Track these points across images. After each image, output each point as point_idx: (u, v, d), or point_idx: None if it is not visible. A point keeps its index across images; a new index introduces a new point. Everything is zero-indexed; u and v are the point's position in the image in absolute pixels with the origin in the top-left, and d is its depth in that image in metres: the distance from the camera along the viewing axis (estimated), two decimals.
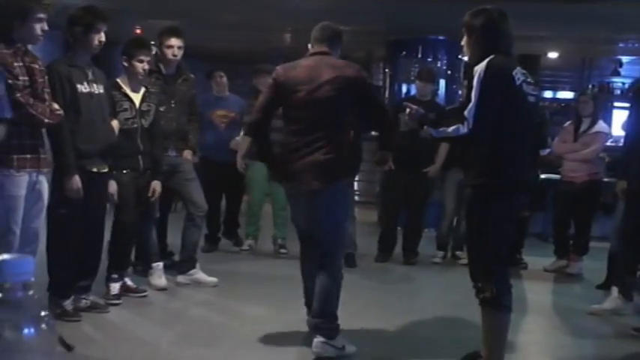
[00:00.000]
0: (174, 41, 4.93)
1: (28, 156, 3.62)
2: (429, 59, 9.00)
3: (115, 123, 4.21)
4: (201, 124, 5.70)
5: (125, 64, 4.50)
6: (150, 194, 4.61)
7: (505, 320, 3.28)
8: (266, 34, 9.76)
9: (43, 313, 1.05)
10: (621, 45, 9.91)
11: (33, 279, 1.07)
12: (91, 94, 4.01)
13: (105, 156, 4.12)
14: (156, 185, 4.63)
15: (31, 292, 1.04)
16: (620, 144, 7.57)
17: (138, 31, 8.84)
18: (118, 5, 8.00)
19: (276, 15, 8.15)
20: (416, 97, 6.50)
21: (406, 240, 6.49)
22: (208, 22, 8.55)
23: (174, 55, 4.94)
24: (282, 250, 6.34)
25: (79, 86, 3.95)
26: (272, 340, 3.94)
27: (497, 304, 3.24)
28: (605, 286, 5.31)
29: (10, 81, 3.49)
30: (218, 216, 6.51)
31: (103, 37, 3.99)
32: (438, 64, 8.88)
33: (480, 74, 3.13)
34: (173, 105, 4.98)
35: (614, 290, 4.80)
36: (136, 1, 8.01)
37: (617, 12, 7.10)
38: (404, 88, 9.11)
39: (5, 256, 1.03)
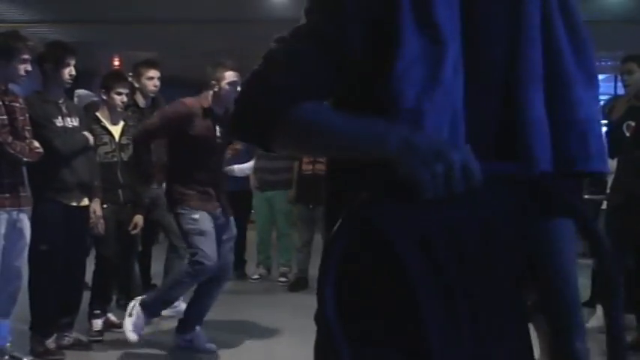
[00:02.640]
0: (154, 72, 4.95)
1: (7, 195, 3.60)
2: None
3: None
4: None
5: (104, 97, 4.52)
6: (131, 228, 4.58)
7: None
8: (250, 62, 9.80)
9: None
10: (596, 64, 10.04)
11: (8, 343, 1.05)
12: (65, 129, 4.01)
13: (84, 189, 4.10)
14: (138, 219, 4.61)
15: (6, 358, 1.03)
16: None
17: (117, 62, 8.86)
18: (94, 37, 8.06)
19: (261, 41, 8.18)
20: None
21: None
22: (192, 50, 8.57)
23: (155, 86, 4.96)
24: (282, 279, 6.37)
25: (53, 120, 3.95)
26: None
27: None
28: (590, 304, 5.32)
29: None
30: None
31: (73, 70, 4.02)
32: None
33: None
34: None
35: (599, 308, 4.80)
36: (113, 32, 8.07)
37: (590, 31, 7.20)
38: None
39: None
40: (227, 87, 4.08)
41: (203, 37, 8.18)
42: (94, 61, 7.90)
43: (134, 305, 4.08)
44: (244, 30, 7.66)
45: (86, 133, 4.15)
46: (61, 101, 4.05)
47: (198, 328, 4.32)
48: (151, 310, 4.14)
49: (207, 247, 4.02)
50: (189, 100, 4.17)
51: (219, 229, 4.20)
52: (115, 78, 4.56)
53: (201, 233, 4.05)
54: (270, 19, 7.03)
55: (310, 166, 6.13)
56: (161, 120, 4.21)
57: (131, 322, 4.04)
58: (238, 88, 4.11)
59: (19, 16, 7.23)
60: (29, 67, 3.68)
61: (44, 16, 7.35)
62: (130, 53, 7.83)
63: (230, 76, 4.09)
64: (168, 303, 4.30)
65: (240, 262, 6.60)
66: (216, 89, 4.11)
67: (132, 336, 4.03)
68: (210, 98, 4.12)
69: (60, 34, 6.87)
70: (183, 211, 4.09)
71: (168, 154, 4.32)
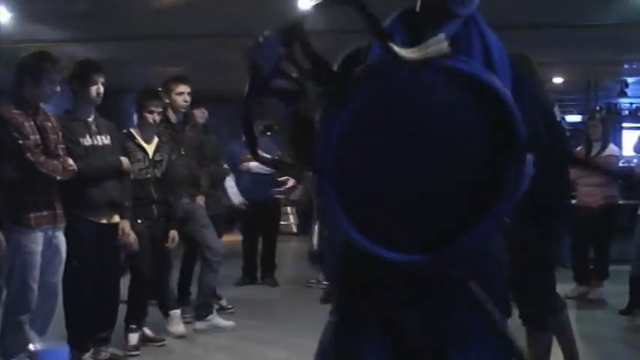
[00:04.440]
0: (184, 87, 4.98)
1: (44, 212, 3.65)
2: None
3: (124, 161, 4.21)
4: (235, 171, 6.21)
5: (137, 114, 4.56)
6: (169, 243, 4.64)
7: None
8: None
9: None
10: (626, 66, 9.92)
11: None
12: (94, 147, 4.04)
13: (114, 207, 4.13)
14: (173, 234, 4.65)
15: None
16: (633, 164, 7.56)
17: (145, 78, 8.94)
18: (123, 54, 8.15)
19: None
20: None
21: None
22: (219, 65, 8.60)
23: (185, 102, 4.99)
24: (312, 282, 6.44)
25: (81, 139, 3.99)
26: None
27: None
28: (628, 311, 5.23)
29: (20, 141, 3.53)
30: (255, 256, 6.73)
31: (101, 88, 4.05)
32: None
33: None
34: (183, 152, 5.01)
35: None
36: (145, 49, 8.15)
37: (620, 34, 7.13)
38: None
39: (40, 346, 1.03)
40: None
41: (228, 52, 8.22)
42: (125, 78, 7.99)
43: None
44: None
45: (124, 159, 4.19)
46: (90, 119, 4.09)
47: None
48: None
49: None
50: None
51: None
52: (150, 96, 4.60)
53: None
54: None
55: None
56: None
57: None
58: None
59: (49, 35, 7.33)
60: (58, 88, 3.73)
61: (74, 34, 7.44)
62: (160, 69, 7.91)
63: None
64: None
65: (270, 268, 6.72)
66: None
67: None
68: None
69: (90, 52, 6.96)
70: None
71: None
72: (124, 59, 8.07)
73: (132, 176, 4.36)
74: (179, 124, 5.08)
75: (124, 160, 4.19)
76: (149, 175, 4.53)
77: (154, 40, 7.86)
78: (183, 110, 5.05)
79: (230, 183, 6.26)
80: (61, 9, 6.45)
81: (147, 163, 4.54)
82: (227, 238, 6.22)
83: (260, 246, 6.80)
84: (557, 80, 10.78)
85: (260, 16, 7.06)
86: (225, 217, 5.93)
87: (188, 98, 5.00)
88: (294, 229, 11.21)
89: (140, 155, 4.52)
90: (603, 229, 6.10)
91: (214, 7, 6.60)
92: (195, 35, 7.59)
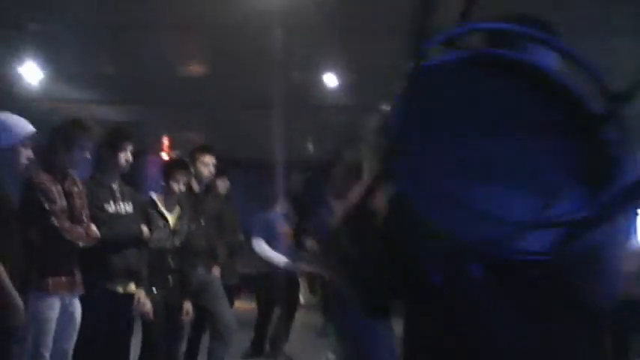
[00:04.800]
0: (210, 158, 5.01)
1: (64, 279, 3.61)
2: None
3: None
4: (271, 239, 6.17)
5: (163, 183, 4.57)
6: (183, 315, 4.57)
7: None
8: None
9: None
10: None
11: None
12: (118, 214, 4.03)
13: (131, 275, 4.08)
14: (187, 307, 4.59)
15: None
16: None
17: (166, 142, 9.04)
18: (143, 117, 8.27)
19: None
20: None
21: None
22: (239, 131, 8.69)
23: (210, 173, 5.01)
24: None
25: (105, 205, 3.98)
26: None
27: None
28: None
29: (46, 205, 3.53)
30: (267, 328, 6.58)
31: (129, 156, 4.07)
32: None
33: None
34: (203, 222, 4.99)
35: None
36: (162, 113, 8.28)
37: None
38: None
39: None
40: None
41: (248, 120, 8.33)
42: (143, 140, 8.09)
43: None
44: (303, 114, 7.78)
45: (144, 228, 4.17)
46: (115, 185, 4.10)
47: None
48: None
49: None
50: None
51: None
52: (178, 166, 4.62)
53: None
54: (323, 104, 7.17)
55: None
56: None
57: None
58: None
59: (73, 95, 7.46)
60: (88, 155, 3.75)
61: (98, 95, 7.58)
62: (178, 134, 8.02)
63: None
64: None
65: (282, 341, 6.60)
66: None
67: None
68: None
69: (110, 114, 7.08)
70: None
71: None
72: (147, 122, 8.18)
73: (151, 244, 4.33)
74: (201, 194, 5.08)
75: (145, 229, 4.17)
76: (168, 245, 4.50)
77: (175, 105, 8.00)
78: (206, 181, 5.06)
79: (262, 247, 6.18)
80: (91, 71, 6.59)
81: (167, 232, 4.51)
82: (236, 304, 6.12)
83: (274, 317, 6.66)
84: None
85: (277, 87, 7.23)
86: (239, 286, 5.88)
87: (213, 169, 5.02)
88: (302, 301, 11.13)
89: (161, 223, 4.50)
90: None
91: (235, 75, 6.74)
92: (218, 103, 7.73)
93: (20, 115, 3.47)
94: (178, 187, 4.52)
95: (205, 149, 5.05)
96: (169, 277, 4.51)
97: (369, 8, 5.31)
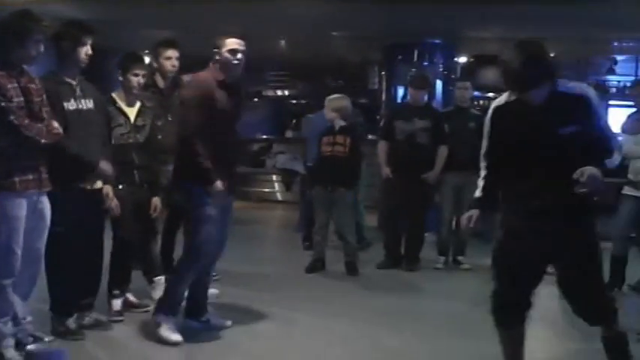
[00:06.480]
0: (172, 52, 4.91)
1: (30, 177, 3.59)
2: (425, 63, 9.04)
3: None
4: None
5: (120, 78, 4.49)
6: (152, 211, 4.59)
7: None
8: (262, 43, 9.78)
9: None
10: (615, 44, 9.93)
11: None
12: (79, 111, 3.98)
13: (97, 173, 4.07)
14: (156, 202, 4.61)
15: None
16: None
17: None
18: (114, 15, 8.01)
19: (274, 23, 8.13)
20: (410, 103, 6.55)
21: (407, 246, 6.48)
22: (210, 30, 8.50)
23: (173, 67, 4.93)
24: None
25: (66, 104, 3.92)
26: (281, 354, 3.92)
27: None
28: (609, 288, 5.28)
29: (3, 104, 3.46)
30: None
31: (89, 50, 3.98)
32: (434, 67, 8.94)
33: None
34: (170, 118, 4.94)
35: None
36: (132, 11, 8.00)
37: (611, 12, 7.11)
38: (400, 92, 9.13)
39: (34, 348, 1.01)
40: (227, 54, 4.07)
41: (220, 18, 8.10)
42: (113, 39, 7.86)
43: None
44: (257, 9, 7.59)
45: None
46: (75, 82, 4.02)
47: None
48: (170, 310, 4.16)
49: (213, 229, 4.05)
50: (202, 75, 4.16)
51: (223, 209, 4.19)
52: (133, 59, 4.53)
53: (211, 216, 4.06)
54: None
55: (329, 148, 6.10)
56: (195, 104, 4.08)
57: (164, 330, 4.08)
58: (239, 55, 4.13)
59: None
60: (42, 48, 3.63)
61: None
62: (149, 32, 7.78)
63: (230, 43, 4.08)
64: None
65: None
66: (217, 57, 4.11)
67: (175, 337, 4.06)
68: (218, 69, 4.11)
69: (77, 12, 6.82)
70: (196, 190, 4.06)
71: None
72: (111, 20, 7.91)
73: (113, 141, 4.30)
74: (167, 89, 5.01)
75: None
76: (131, 140, 4.47)
77: (142, 1, 7.74)
78: (171, 75, 4.98)
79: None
80: None
81: (128, 128, 4.47)
82: None
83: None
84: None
85: None
86: None
87: (176, 63, 4.93)
88: (279, 197, 11.30)
89: (122, 120, 4.45)
90: None
91: None
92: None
93: None
94: (137, 80, 4.45)
95: (167, 43, 4.95)
96: (135, 173, 4.51)
97: None
